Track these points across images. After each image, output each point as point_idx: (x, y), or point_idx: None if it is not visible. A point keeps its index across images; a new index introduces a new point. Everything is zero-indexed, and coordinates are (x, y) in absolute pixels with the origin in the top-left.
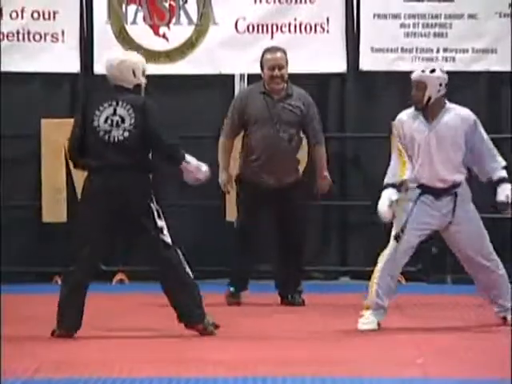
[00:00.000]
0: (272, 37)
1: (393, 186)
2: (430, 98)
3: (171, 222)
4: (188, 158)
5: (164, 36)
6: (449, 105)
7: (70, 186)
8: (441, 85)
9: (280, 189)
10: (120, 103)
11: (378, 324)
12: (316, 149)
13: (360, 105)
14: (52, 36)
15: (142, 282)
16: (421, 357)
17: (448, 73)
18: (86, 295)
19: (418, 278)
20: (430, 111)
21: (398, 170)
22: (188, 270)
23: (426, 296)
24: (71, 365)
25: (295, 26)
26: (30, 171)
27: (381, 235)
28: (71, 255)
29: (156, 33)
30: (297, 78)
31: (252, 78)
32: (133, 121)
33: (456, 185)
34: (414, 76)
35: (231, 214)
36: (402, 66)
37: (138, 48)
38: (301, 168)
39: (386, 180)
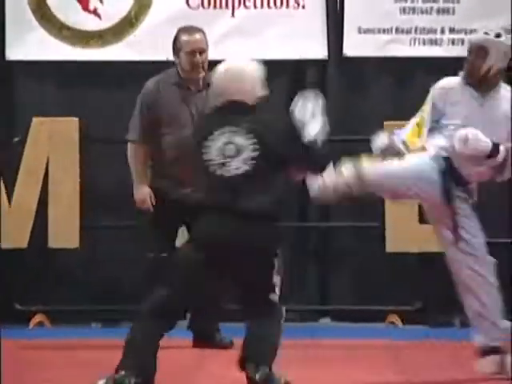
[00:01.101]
0: (233, 14)
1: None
2: (490, 69)
3: None
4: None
5: (95, 12)
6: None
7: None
8: (505, 54)
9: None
10: (243, 126)
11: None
12: None
13: (344, 99)
14: None
15: (66, 325)
16: None
17: (455, 59)
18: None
19: (417, 320)
20: (484, 84)
21: (405, 136)
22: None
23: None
24: None
25: (262, 0)
26: None
27: (370, 263)
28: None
29: (85, 8)
30: (265, 65)
31: (209, 66)
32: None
33: None
34: (474, 40)
35: None
36: (397, 51)
37: (62, 27)
38: None
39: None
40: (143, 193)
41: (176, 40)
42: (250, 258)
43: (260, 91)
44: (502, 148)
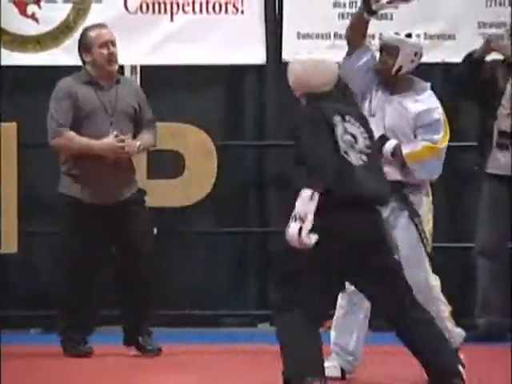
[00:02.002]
0: (172, 18)
1: None
2: (400, 68)
3: None
4: None
5: (33, 17)
6: (422, 83)
7: None
8: (416, 54)
9: (113, 207)
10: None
11: None
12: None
13: (283, 103)
14: None
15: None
16: None
17: None
18: None
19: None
20: (395, 84)
21: None
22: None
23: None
24: None
25: (201, 5)
26: None
27: None
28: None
29: (23, 12)
30: (203, 71)
31: (147, 71)
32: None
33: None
34: (384, 39)
35: None
36: (336, 56)
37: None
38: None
39: None
40: (107, 141)
41: (84, 38)
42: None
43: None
44: (388, 143)
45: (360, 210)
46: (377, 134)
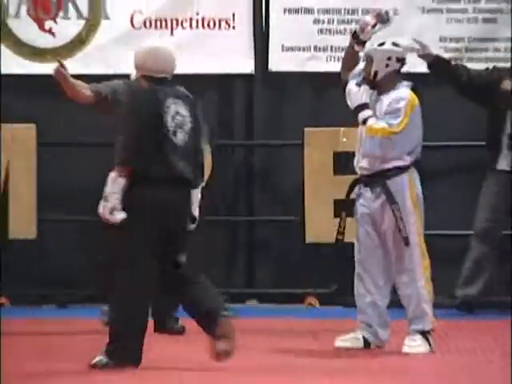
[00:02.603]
0: (172, 33)
1: None
2: (376, 73)
3: None
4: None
5: (50, 31)
6: (404, 83)
7: None
8: (389, 59)
9: None
10: (180, 97)
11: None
12: None
13: (269, 109)
14: None
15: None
16: None
17: None
18: None
19: (333, 301)
20: (380, 86)
21: None
22: None
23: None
24: None
25: (197, 22)
26: None
27: (289, 254)
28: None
29: (41, 27)
30: (199, 79)
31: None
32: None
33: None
34: (364, 51)
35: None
36: (315, 67)
37: (21, 45)
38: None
39: None
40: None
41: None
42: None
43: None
44: (364, 112)
45: (170, 188)
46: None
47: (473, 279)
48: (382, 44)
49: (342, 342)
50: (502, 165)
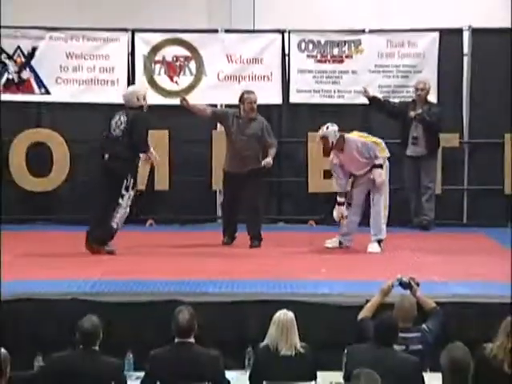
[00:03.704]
0: (239, 83)
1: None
2: (333, 143)
3: None
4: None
5: (176, 82)
6: (347, 136)
7: None
8: (335, 132)
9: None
10: (124, 114)
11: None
12: (270, 149)
13: (290, 125)
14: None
15: (165, 224)
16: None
17: (340, 105)
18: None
19: (322, 223)
20: (337, 149)
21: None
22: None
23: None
24: (131, 272)
25: (252, 77)
26: None
27: (299, 198)
28: None
29: (171, 80)
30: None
31: (228, 106)
32: (127, 125)
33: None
34: (319, 134)
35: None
36: (314, 100)
37: (161, 89)
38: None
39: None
40: None
41: (242, 97)
42: (115, 171)
43: (139, 102)
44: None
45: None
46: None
47: (421, 209)
48: (327, 127)
49: (328, 243)
50: (409, 152)
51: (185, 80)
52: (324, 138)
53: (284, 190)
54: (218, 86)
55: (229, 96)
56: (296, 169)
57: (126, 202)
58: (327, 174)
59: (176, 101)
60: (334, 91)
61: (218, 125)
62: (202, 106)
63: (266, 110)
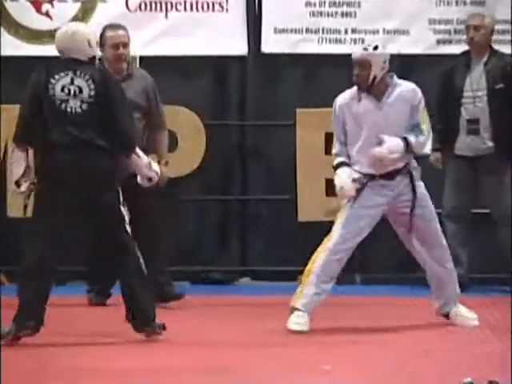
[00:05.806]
0: (166, 16)
1: (348, 165)
2: (375, 77)
3: None
4: (139, 152)
5: (47, 14)
6: (396, 80)
7: None
8: (385, 62)
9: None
10: (78, 73)
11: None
12: (159, 133)
13: (262, 90)
14: None
15: None
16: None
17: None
18: None
19: None
20: (376, 90)
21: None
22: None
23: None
24: None
25: (191, 4)
26: None
27: (283, 232)
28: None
29: (38, 10)
30: (193, 60)
31: (145, 61)
32: (92, 93)
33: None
34: (355, 55)
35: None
36: (307, 48)
37: (18, 27)
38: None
39: (340, 159)
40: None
41: (102, 36)
42: (95, 184)
43: (92, 51)
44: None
45: (72, 152)
46: (368, 137)
47: (457, 259)
48: (375, 48)
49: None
50: (460, 149)
51: (63, 10)
52: (364, 63)
53: (251, 218)
54: (129, 22)
55: (148, 40)
56: (275, 178)
57: None
58: (329, 185)
59: (49, 49)
60: (346, 31)
61: None
62: None
63: (215, 66)
